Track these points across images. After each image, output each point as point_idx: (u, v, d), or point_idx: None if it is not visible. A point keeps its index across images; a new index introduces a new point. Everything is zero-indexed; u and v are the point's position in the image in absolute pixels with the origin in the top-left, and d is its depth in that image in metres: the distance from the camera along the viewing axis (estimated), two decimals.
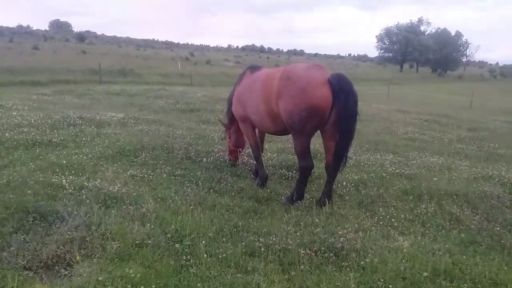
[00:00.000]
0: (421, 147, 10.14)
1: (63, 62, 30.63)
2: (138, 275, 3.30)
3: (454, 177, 7.04)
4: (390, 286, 3.41)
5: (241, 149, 6.87)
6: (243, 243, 4.02)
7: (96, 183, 5.28)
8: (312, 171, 5.36)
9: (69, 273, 3.38)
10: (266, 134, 6.80)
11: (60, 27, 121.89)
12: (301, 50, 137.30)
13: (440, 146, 10.51)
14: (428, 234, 4.68)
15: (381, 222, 4.89)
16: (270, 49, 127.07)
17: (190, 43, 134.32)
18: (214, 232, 4.22)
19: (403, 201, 5.73)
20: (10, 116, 9.29)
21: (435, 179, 6.82)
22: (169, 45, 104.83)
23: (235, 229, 4.35)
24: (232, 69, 47.69)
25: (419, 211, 5.34)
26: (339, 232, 4.39)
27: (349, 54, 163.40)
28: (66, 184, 5.16)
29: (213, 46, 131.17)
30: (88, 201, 4.65)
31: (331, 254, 3.87)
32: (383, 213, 5.17)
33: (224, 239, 4.11)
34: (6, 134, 7.53)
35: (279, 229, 4.37)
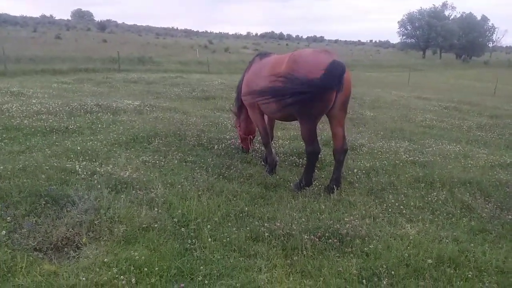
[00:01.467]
0: (438, 134, 9.94)
1: (84, 51, 31.13)
2: (143, 257, 3.38)
3: (470, 165, 6.90)
4: (393, 272, 3.40)
5: (252, 137, 6.88)
6: (247, 228, 4.07)
7: (108, 169, 5.40)
8: (319, 156, 5.33)
9: (77, 254, 3.49)
10: (277, 121, 6.78)
11: (82, 17, 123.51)
12: (321, 36, 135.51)
13: (459, 133, 10.28)
14: (437, 221, 4.61)
15: (389, 209, 4.85)
16: (289, 36, 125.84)
17: (209, 31, 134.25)
18: (220, 217, 4.28)
19: (414, 188, 5.66)
20: (29, 104, 9.54)
21: (450, 166, 6.71)
22: (188, 33, 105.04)
23: (241, 214, 4.39)
24: (250, 56, 47.41)
25: (429, 198, 5.27)
26: (345, 219, 4.39)
27: (371, 40, 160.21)
28: (79, 169, 5.29)
29: (232, 34, 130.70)
30: (99, 186, 4.77)
31: (335, 240, 3.87)
32: (392, 200, 5.13)
33: (229, 224, 4.16)
34: (25, 121, 7.75)
35: (284, 215, 4.39)
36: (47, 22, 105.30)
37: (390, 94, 18.03)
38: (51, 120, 8.03)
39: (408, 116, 12.41)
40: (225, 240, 3.80)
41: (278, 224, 4.08)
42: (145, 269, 3.23)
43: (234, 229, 4.06)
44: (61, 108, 9.16)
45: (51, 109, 9.03)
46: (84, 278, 3.04)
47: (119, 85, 16.01)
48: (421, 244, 3.91)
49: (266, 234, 3.93)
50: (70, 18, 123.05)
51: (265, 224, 4.11)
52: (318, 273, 3.39)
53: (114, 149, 6.57)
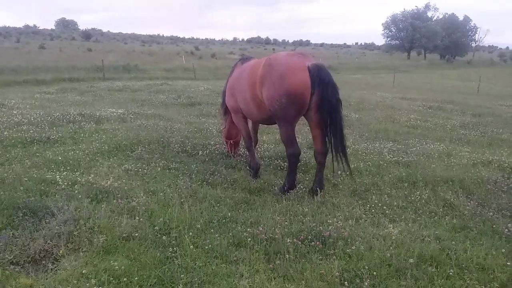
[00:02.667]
0: (422, 134, 10.04)
1: (69, 60, 30.79)
2: (123, 267, 3.32)
3: (452, 163, 6.97)
4: (375, 273, 3.40)
5: (232, 141, 6.87)
6: (230, 234, 4.04)
7: (89, 178, 5.32)
8: (301, 158, 5.35)
9: (55, 267, 3.42)
10: (262, 126, 6.79)
11: (66, 26, 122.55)
12: (307, 40, 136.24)
13: (443, 132, 10.38)
14: (420, 220, 4.64)
15: (372, 210, 4.86)
16: (275, 41, 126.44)
17: (195, 37, 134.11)
18: (202, 223, 4.24)
19: (397, 188, 5.69)
20: (10, 115, 9.39)
21: (433, 166, 6.77)
22: (174, 40, 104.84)
23: (224, 220, 4.36)
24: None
25: (412, 198, 5.30)
26: (328, 221, 4.39)
27: (356, 43, 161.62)
28: (60, 180, 5.21)
29: (219, 40, 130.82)
30: (79, 196, 4.70)
31: (318, 243, 3.86)
32: (376, 201, 5.14)
33: (212, 230, 4.12)
34: (5, 133, 7.62)
35: (267, 219, 4.36)
36: (31, 32, 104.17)
37: (375, 96, 18.16)
38: (31, 131, 7.90)
39: (393, 116, 12.50)
40: (207, 247, 3.77)
41: (261, 228, 4.06)
42: (125, 279, 3.18)
43: (217, 235, 4.02)
44: (42, 119, 9.03)
45: (32, 119, 8.90)
46: None
47: (104, 93, 15.87)
48: (403, 244, 3.92)
49: (249, 239, 3.90)
50: (54, 28, 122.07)
51: (248, 229, 4.09)
52: (300, 276, 3.37)
53: (97, 158, 6.50)
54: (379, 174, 6.26)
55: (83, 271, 3.25)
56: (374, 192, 5.53)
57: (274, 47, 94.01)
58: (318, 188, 5.24)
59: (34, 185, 4.99)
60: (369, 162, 6.93)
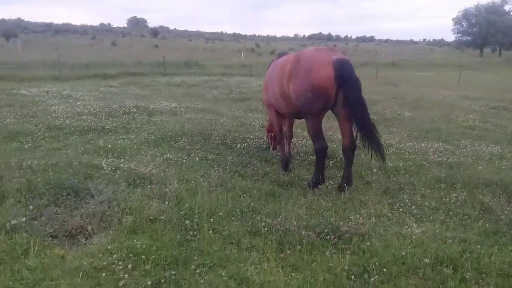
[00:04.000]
0: (479, 135, 9.48)
1: (136, 56, 32.65)
2: (144, 246, 3.60)
3: (503, 167, 6.56)
4: (385, 269, 3.38)
5: (272, 134, 6.98)
6: (249, 223, 4.18)
7: (131, 165, 5.73)
8: (327, 152, 5.37)
9: (87, 242, 3.78)
10: (297, 120, 6.85)
11: (136, 24, 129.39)
12: (370, 36, 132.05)
13: (502, 134, 9.73)
14: (449, 222, 4.47)
15: (400, 209, 4.76)
16: (338, 37, 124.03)
17: (257, 35, 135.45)
18: (225, 211, 4.42)
19: (433, 189, 5.50)
20: (74, 106, 10.27)
21: (480, 168, 6.43)
22: (236, 37, 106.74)
23: (246, 210, 4.51)
24: None
25: (447, 199, 5.10)
26: (350, 217, 4.39)
27: (424, 39, 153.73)
28: (105, 165, 5.67)
29: (280, 36, 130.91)
30: (119, 181, 5.10)
31: (333, 237, 3.89)
32: (407, 200, 5.02)
33: (233, 218, 4.29)
34: (66, 121, 8.38)
35: (288, 212, 4.45)
36: (105, 29, 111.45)
37: (436, 94, 17.32)
38: (89, 121, 8.60)
39: (450, 116, 11.91)
40: (224, 233, 3.95)
41: (279, 219, 4.16)
42: (143, 256, 3.45)
43: (237, 223, 4.19)
44: (101, 110, 9.77)
45: (92, 110, 9.67)
46: (85, 263, 3.31)
47: (162, 88, 16.70)
48: (422, 244, 3.83)
49: (266, 228, 4.02)
50: (126, 26, 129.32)
51: (267, 220, 4.21)
52: (308, 267, 3.44)
53: (142, 147, 6.94)
54: (418, 174, 6.07)
55: (108, 247, 3.58)
56: (407, 191, 5.40)
57: (336, 43, 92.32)
58: (345, 185, 5.21)
59: (82, 169, 5.48)
60: (410, 162, 6.73)
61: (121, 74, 21.62)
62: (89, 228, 3.95)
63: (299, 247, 3.72)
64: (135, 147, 6.89)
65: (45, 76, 19.04)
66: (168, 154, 6.52)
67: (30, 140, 7.07)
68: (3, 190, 4.53)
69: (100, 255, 3.46)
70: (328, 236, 3.91)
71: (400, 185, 5.59)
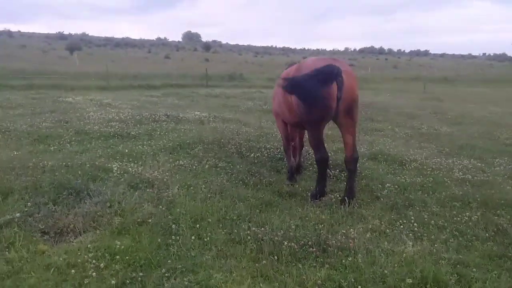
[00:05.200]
0: None
1: (184, 69, 33.70)
2: (123, 247, 3.65)
3: None
4: (359, 287, 3.18)
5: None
6: (235, 231, 4.12)
7: (139, 169, 5.89)
8: (328, 163, 5.20)
9: (74, 240, 3.90)
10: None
11: (191, 38, 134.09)
12: (425, 50, 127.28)
13: None
14: (453, 243, 4.14)
15: (401, 226, 4.48)
16: (390, 51, 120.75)
17: (306, 48, 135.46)
18: (215, 219, 4.39)
19: (446, 207, 5.14)
20: (108, 113, 10.76)
21: (509, 188, 5.93)
22: (286, 51, 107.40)
23: (237, 218, 4.45)
24: None
25: (458, 218, 4.74)
26: (343, 231, 4.20)
27: (484, 54, 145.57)
28: (115, 168, 5.86)
29: (330, 50, 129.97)
30: (123, 184, 5.25)
31: (314, 250, 3.73)
32: (412, 218, 4.71)
33: (221, 226, 4.25)
34: (95, 127, 8.79)
35: (279, 222, 4.34)
36: (161, 43, 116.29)
37: (482, 110, 16.31)
38: (117, 127, 8.96)
39: (492, 133, 11.13)
40: (206, 240, 3.91)
41: (262, 229, 4.07)
42: (117, 257, 3.49)
43: (223, 231, 4.14)
44: (132, 117, 10.16)
45: (122, 117, 10.07)
46: (61, 259, 3.41)
47: (200, 99, 17.11)
48: (411, 263, 3.57)
49: (249, 237, 3.94)
50: (180, 40, 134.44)
51: (253, 229, 4.12)
52: (280, 278, 3.31)
53: (159, 153, 7.11)
54: (434, 191, 5.71)
55: (88, 246, 3.67)
56: (417, 208, 5.08)
57: (388, 57, 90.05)
58: (346, 197, 5.01)
59: (92, 171, 5.70)
60: (430, 178, 6.36)
61: (165, 85, 22.42)
62: (79, 227, 4.08)
63: (277, 257, 3.60)
64: (152, 153, 7.07)
65: (94, 85, 20.15)
66: (180, 161, 6.62)
67: (57, 143, 7.48)
68: (11, 187, 4.81)
69: (79, 253, 3.55)
70: (311, 249, 3.76)
71: (411, 201, 5.28)
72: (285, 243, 3.81)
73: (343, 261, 3.59)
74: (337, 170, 6.50)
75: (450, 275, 3.37)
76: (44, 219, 4.15)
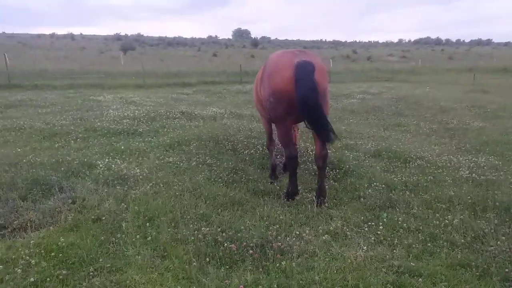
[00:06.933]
0: None
1: (229, 66, 33.88)
2: (64, 243, 3.68)
3: None
4: None
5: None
6: (183, 230, 4.02)
7: (122, 166, 5.95)
8: (297, 160, 4.95)
9: (29, 235, 3.99)
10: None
11: (241, 35, 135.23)
12: (487, 39, 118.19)
13: None
14: (416, 248, 3.76)
15: (366, 229, 4.15)
16: (448, 41, 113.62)
17: (358, 41, 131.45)
18: (170, 217, 4.31)
19: (430, 209, 4.70)
20: (127, 110, 11.05)
21: None
22: (335, 44, 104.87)
23: (194, 217, 4.34)
24: (391, 64, 45.03)
25: (438, 222, 4.31)
26: (296, 232, 3.97)
27: None
28: (100, 165, 5.98)
29: (382, 42, 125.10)
30: (103, 180, 5.33)
31: (252, 252, 3.54)
32: (385, 220, 4.36)
33: (172, 225, 4.17)
34: (105, 124, 9.05)
35: (236, 222, 4.19)
36: (211, 42, 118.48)
37: None
38: (126, 124, 9.16)
39: None
40: (148, 239, 3.85)
41: (208, 229, 3.93)
42: (52, 254, 3.52)
43: (172, 230, 4.05)
44: (146, 114, 10.34)
45: (137, 114, 10.28)
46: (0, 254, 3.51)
47: (228, 95, 17.15)
48: (354, 270, 3.28)
49: (192, 237, 3.83)
50: (231, 37, 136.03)
51: (202, 228, 4.00)
52: (202, 280, 3.17)
53: (154, 150, 7.16)
54: (426, 191, 5.27)
55: (31, 242, 3.73)
56: (397, 209, 4.69)
57: (445, 47, 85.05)
58: (315, 197, 4.74)
59: (77, 167, 5.85)
60: (431, 176, 5.88)
61: (200, 82, 22.75)
62: (37, 223, 4.18)
63: (208, 259, 3.46)
64: (147, 150, 7.14)
65: (132, 84, 20.89)
66: (170, 158, 6.63)
67: (63, 140, 7.77)
68: None
69: (20, 249, 3.62)
70: (251, 251, 3.58)
71: (393, 202, 4.89)
72: (225, 244, 3.66)
73: (280, 264, 3.37)
74: (327, 169, 6.16)
75: (385, 285, 3.05)
76: (7, 214, 4.29)
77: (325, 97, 4.62)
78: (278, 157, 6.69)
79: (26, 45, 74.77)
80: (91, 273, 3.28)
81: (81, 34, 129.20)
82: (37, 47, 69.34)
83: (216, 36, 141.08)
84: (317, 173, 4.91)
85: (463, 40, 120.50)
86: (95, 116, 10.29)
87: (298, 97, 4.29)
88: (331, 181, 5.74)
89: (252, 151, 7.10)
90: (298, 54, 4.60)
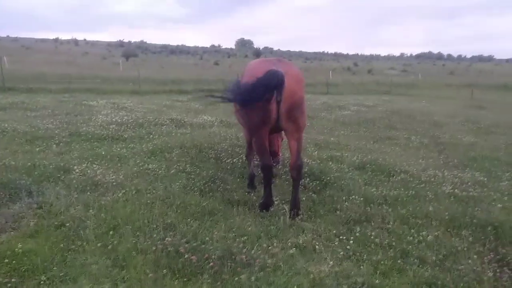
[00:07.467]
0: None
1: (228, 75, 33.97)
2: (21, 250, 3.56)
3: None
4: None
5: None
6: (147, 240, 3.90)
7: (98, 172, 5.84)
8: (272, 170, 4.86)
9: None
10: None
11: (243, 45, 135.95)
12: (489, 55, 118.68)
13: None
14: (385, 264, 3.64)
15: (336, 243, 4.03)
16: (450, 56, 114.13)
17: (359, 54, 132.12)
18: (136, 226, 4.19)
19: (406, 224, 4.58)
20: (116, 116, 10.97)
21: (499, 205, 5.24)
22: (337, 56, 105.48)
23: (159, 227, 4.22)
24: (391, 78, 45.09)
25: (412, 238, 4.19)
26: (263, 245, 3.85)
27: None
28: (76, 170, 5.88)
29: (384, 56, 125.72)
30: (73, 186, 5.23)
31: (212, 264, 3.42)
32: (357, 234, 4.24)
33: (137, 234, 4.05)
34: (91, 129, 8.96)
35: (203, 233, 4.07)
36: (214, 50, 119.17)
37: None
38: (112, 129, 9.07)
39: None
40: (109, 247, 3.73)
41: (170, 239, 3.81)
42: (6, 260, 3.41)
43: (135, 239, 3.93)
44: (133, 120, 10.24)
45: (124, 120, 10.19)
46: None
47: (222, 104, 16.95)
48: (314, 286, 3.16)
49: (153, 247, 3.71)
50: (233, 47, 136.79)
51: (167, 238, 3.88)
52: None
53: (135, 157, 7.05)
54: (405, 206, 5.15)
55: None
56: (372, 224, 4.57)
57: (446, 62, 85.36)
58: (286, 208, 4.63)
59: (52, 172, 5.75)
60: (413, 191, 5.77)
61: (196, 90, 22.69)
62: (2, 228, 4.07)
63: (165, 271, 3.34)
64: (128, 156, 7.03)
65: (127, 90, 20.86)
66: (150, 165, 6.52)
67: (44, 144, 7.67)
68: None
69: None
70: (212, 263, 3.45)
71: (368, 216, 4.77)
72: (186, 255, 3.54)
73: (237, 278, 3.25)
74: (307, 180, 6.06)
75: None
76: None
77: (300, 106, 4.54)
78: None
79: (29, 49, 75.13)
80: (42, 282, 3.16)
81: (84, 39, 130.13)
82: (40, 51, 69.78)
83: (219, 45, 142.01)
84: (292, 184, 4.79)
85: (465, 56, 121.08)
86: (83, 120, 10.21)
87: (259, 78, 4.19)
88: (310, 193, 5.62)
89: (235, 160, 6.99)
90: (275, 63, 4.54)
